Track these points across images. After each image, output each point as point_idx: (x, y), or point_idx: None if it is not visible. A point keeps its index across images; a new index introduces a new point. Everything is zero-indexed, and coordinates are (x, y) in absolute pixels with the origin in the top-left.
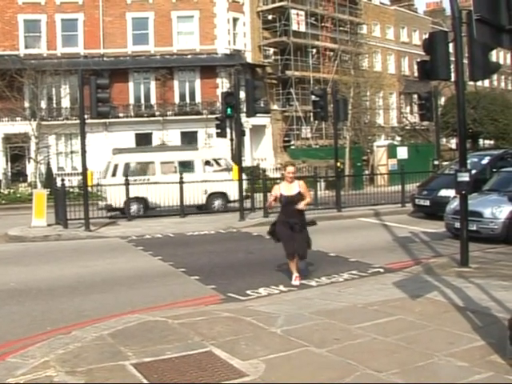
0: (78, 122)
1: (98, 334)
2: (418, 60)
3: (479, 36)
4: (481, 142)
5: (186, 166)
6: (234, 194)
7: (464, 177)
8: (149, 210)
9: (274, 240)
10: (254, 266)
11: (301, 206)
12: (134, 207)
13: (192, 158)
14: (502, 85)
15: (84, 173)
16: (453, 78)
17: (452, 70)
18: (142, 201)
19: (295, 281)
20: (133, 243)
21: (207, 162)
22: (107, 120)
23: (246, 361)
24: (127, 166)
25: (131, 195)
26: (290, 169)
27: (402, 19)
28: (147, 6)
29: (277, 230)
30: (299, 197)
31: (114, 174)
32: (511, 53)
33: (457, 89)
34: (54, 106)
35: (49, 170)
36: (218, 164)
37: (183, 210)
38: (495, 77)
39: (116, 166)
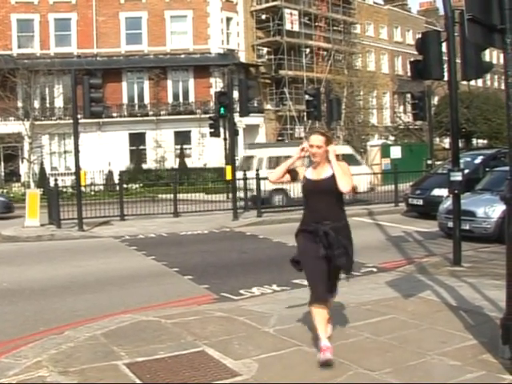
0: (71, 121)
1: (91, 333)
2: (411, 60)
3: (471, 36)
4: (474, 141)
5: None
6: (362, 187)
7: (457, 176)
8: (289, 199)
9: (296, 268)
10: (247, 266)
11: (344, 185)
12: (276, 198)
13: None
14: (495, 84)
15: (77, 173)
16: (446, 78)
17: (445, 69)
18: (282, 192)
19: (323, 353)
20: (126, 243)
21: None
22: (101, 120)
23: (238, 360)
24: (270, 159)
25: (273, 187)
26: (316, 138)
27: (396, 19)
28: (140, 6)
29: (298, 250)
30: (334, 182)
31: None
32: (504, 52)
33: (450, 88)
34: (48, 105)
35: (42, 169)
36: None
37: (176, 210)
38: (488, 76)
39: (261, 160)
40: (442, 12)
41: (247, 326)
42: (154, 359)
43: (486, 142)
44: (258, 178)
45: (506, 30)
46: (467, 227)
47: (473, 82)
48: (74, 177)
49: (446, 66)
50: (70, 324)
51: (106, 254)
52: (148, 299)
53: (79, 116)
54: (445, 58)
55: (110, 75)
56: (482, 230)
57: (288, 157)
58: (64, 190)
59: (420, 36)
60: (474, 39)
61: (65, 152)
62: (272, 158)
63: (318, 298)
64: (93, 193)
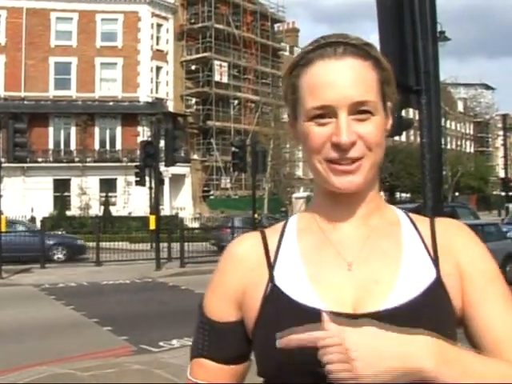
0: None
1: None
2: None
3: None
4: (397, 195)
5: None
6: None
7: None
8: None
9: None
10: (167, 317)
11: None
12: None
13: None
14: (418, 140)
15: None
16: None
17: None
18: None
19: None
20: (46, 292)
21: None
22: (25, 164)
23: None
24: None
25: None
26: (340, 70)
27: None
28: (70, 51)
29: None
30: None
31: None
32: (419, 113)
33: None
34: None
35: None
36: None
37: (99, 259)
38: (412, 132)
39: None
40: None
41: (165, 379)
42: None
43: (409, 195)
44: (183, 229)
45: (422, 91)
46: None
47: (397, 138)
48: None
49: None
50: None
51: (24, 303)
52: (65, 350)
53: (2, 160)
54: None
55: (36, 119)
56: None
57: None
58: None
59: None
60: None
61: None
62: None
63: None
64: None
